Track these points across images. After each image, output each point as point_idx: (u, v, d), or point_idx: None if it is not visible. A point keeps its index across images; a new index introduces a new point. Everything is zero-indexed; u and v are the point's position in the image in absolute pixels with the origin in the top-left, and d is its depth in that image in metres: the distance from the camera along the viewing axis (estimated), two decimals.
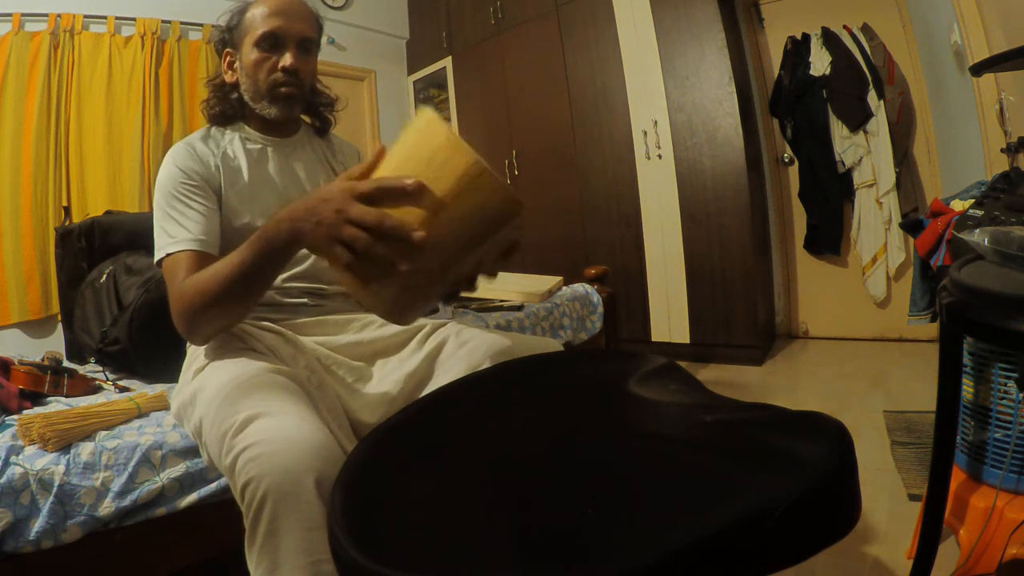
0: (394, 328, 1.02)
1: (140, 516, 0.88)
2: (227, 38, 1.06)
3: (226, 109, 1.07)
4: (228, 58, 1.06)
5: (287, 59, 1.00)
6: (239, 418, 0.68)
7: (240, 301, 0.82)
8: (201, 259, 0.89)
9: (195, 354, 0.96)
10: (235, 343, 0.91)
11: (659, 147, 2.97)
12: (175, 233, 0.92)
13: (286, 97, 1.03)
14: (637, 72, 3.02)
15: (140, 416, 1.01)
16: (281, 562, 0.60)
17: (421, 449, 0.58)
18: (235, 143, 1.06)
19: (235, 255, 0.78)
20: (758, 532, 0.37)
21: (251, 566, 0.63)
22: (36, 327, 2.70)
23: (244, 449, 0.64)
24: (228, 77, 1.07)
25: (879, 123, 2.83)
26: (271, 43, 1.00)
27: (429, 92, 4.39)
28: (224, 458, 0.68)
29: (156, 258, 0.93)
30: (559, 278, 2.16)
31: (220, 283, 0.79)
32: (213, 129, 1.08)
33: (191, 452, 0.93)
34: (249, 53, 1.01)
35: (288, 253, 0.76)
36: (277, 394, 0.74)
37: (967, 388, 0.97)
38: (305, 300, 1.04)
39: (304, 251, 1.04)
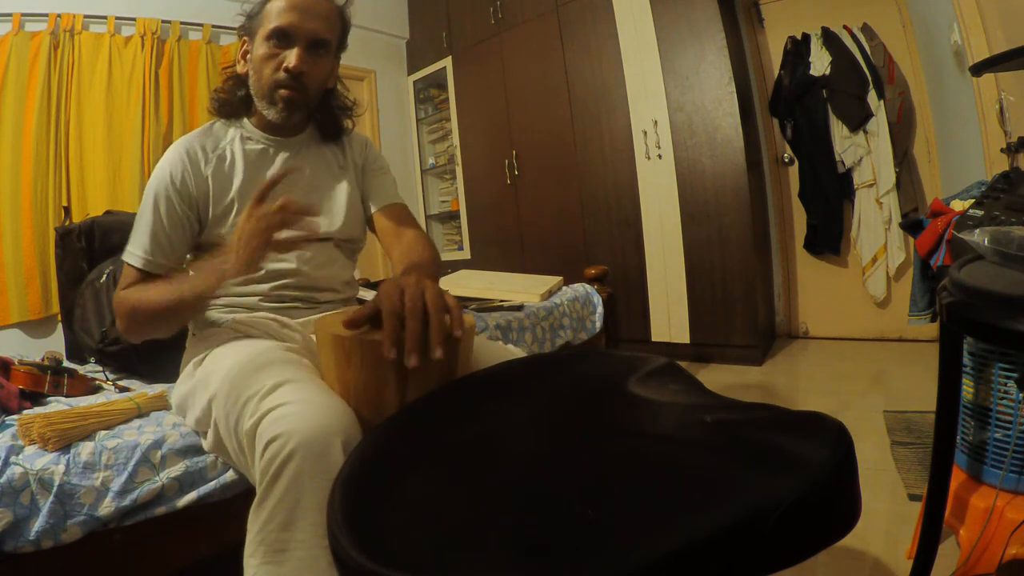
0: None
1: (140, 516, 0.88)
2: (246, 26, 1.01)
3: (225, 105, 1.03)
4: (244, 47, 1.02)
5: (291, 59, 0.94)
6: (266, 384, 0.69)
7: (170, 325, 0.92)
8: (146, 279, 0.95)
9: (195, 348, 0.96)
10: (231, 333, 0.92)
11: (659, 147, 2.97)
12: (136, 246, 0.95)
13: (285, 100, 0.97)
14: (637, 72, 3.02)
15: (140, 416, 1.01)
16: (300, 516, 0.59)
17: (421, 449, 0.58)
18: (235, 143, 1.03)
19: (174, 289, 0.87)
20: (758, 532, 0.37)
21: (256, 525, 0.61)
22: (36, 327, 2.70)
23: (273, 409, 0.65)
24: (240, 68, 1.03)
25: (879, 123, 2.83)
26: (280, 39, 0.95)
27: (429, 92, 4.39)
28: (246, 421, 0.68)
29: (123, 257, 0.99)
30: (559, 278, 2.17)
31: (155, 309, 0.88)
32: (217, 124, 1.05)
33: (191, 451, 0.93)
34: (259, 46, 0.97)
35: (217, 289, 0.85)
36: (296, 366, 0.75)
37: (967, 388, 0.97)
38: (298, 304, 1.03)
39: (294, 257, 1.01)
